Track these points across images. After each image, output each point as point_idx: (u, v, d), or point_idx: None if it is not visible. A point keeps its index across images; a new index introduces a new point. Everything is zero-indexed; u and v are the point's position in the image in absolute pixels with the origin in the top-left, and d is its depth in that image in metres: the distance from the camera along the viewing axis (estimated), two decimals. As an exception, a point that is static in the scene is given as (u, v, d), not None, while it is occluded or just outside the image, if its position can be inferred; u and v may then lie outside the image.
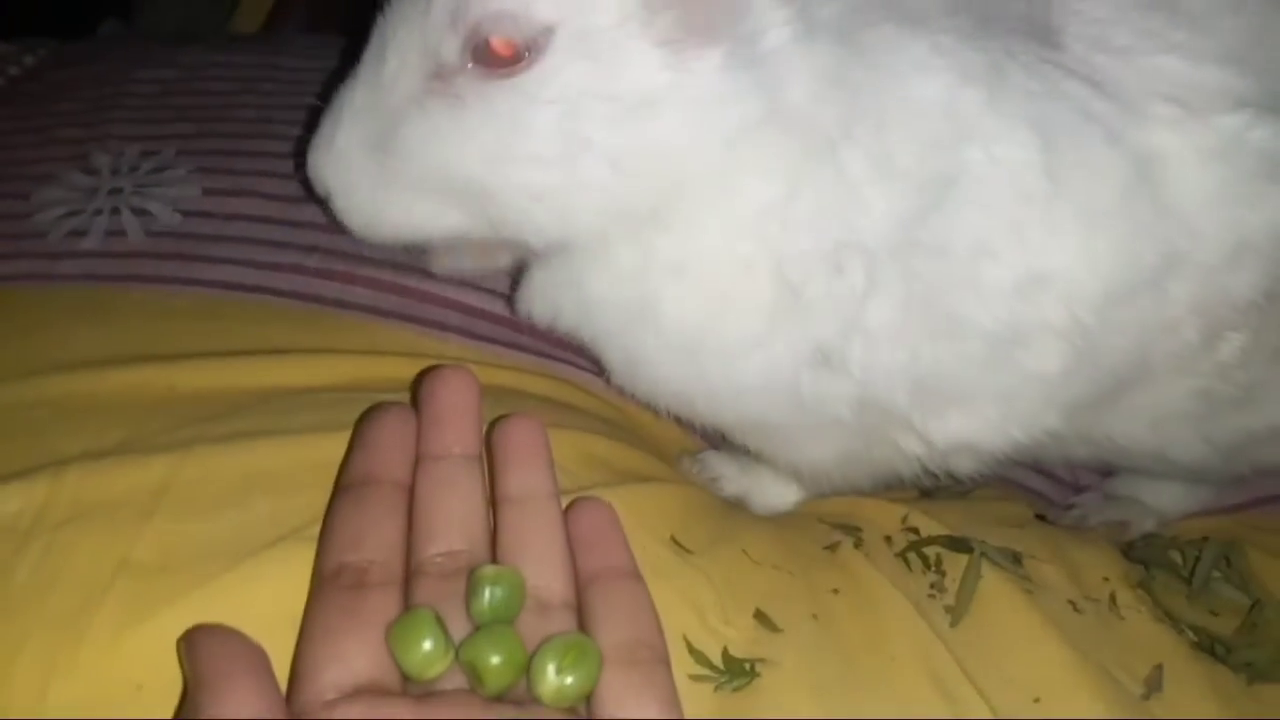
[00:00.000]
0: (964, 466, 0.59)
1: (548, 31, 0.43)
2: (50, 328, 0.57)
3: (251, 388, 0.54)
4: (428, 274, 0.63)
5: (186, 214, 0.65)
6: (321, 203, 0.52)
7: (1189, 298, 0.51)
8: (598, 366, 0.60)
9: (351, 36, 0.86)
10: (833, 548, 0.57)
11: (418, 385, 0.49)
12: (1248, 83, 0.50)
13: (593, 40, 0.44)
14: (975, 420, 0.54)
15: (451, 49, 0.45)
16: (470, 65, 0.44)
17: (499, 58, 0.44)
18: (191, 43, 0.85)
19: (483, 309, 0.64)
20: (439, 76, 0.45)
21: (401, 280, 0.63)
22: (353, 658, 0.37)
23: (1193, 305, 0.51)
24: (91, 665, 0.38)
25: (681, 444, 0.68)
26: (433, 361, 0.58)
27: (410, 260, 0.62)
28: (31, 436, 0.48)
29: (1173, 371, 0.55)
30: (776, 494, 0.65)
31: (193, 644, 0.37)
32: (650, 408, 0.59)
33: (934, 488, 0.69)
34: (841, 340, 0.49)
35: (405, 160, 0.47)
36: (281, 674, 0.38)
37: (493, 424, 0.48)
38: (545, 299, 0.54)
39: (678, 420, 0.62)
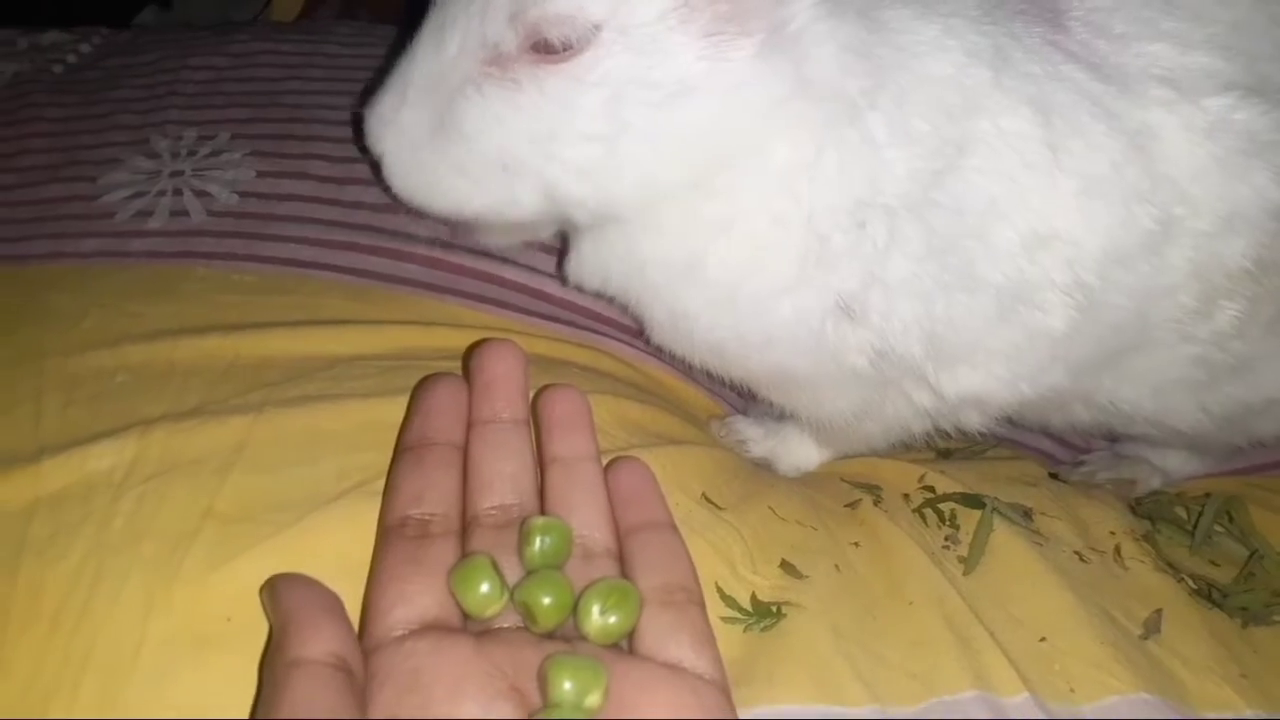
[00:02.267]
0: (972, 422, 0.62)
1: (596, 27, 0.47)
2: (125, 301, 0.59)
3: (311, 355, 0.57)
4: (472, 251, 0.66)
5: (244, 195, 0.68)
6: (375, 173, 0.54)
7: (1186, 263, 0.54)
8: (636, 332, 0.63)
9: (388, 24, 0.89)
10: (853, 505, 0.60)
11: (469, 356, 0.52)
12: (1234, 67, 0.53)
13: (635, 34, 0.47)
14: (984, 374, 0.57)
15: (509, 41, 0.48)
16: (525, 52, 0.48)
17: (549, 48, 0.47)
18: (238, 31, 0.88)
19: (523, 283, 0.66)
20: (495, 62, 0.48)
21: (448, 257, 0.66)
22: (419, 598, 0.40)
23: (1190, 270, 0.54)
24: (185, 601, 0.42)
25: (710, 410, 0.70)
26: (477, 332, 0.61)
27: (454, 237, 0.64)
28: (116, 400, 0.51)
29: (1173, 338, 0.57)
30: (801, 455, 0.68)
31: (276, 590, 0.40)
32: (684, 367, 0.62)
33: (951, 449, 0.72)
34: (862, 291, 0.52)
35: (463, 138, 0.50)
36: (348, 610, 0.41)
37: (539, 392, 0.51)
38: (595, 266, 0.57)
39: (710, 377, 0.65)
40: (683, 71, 0.47)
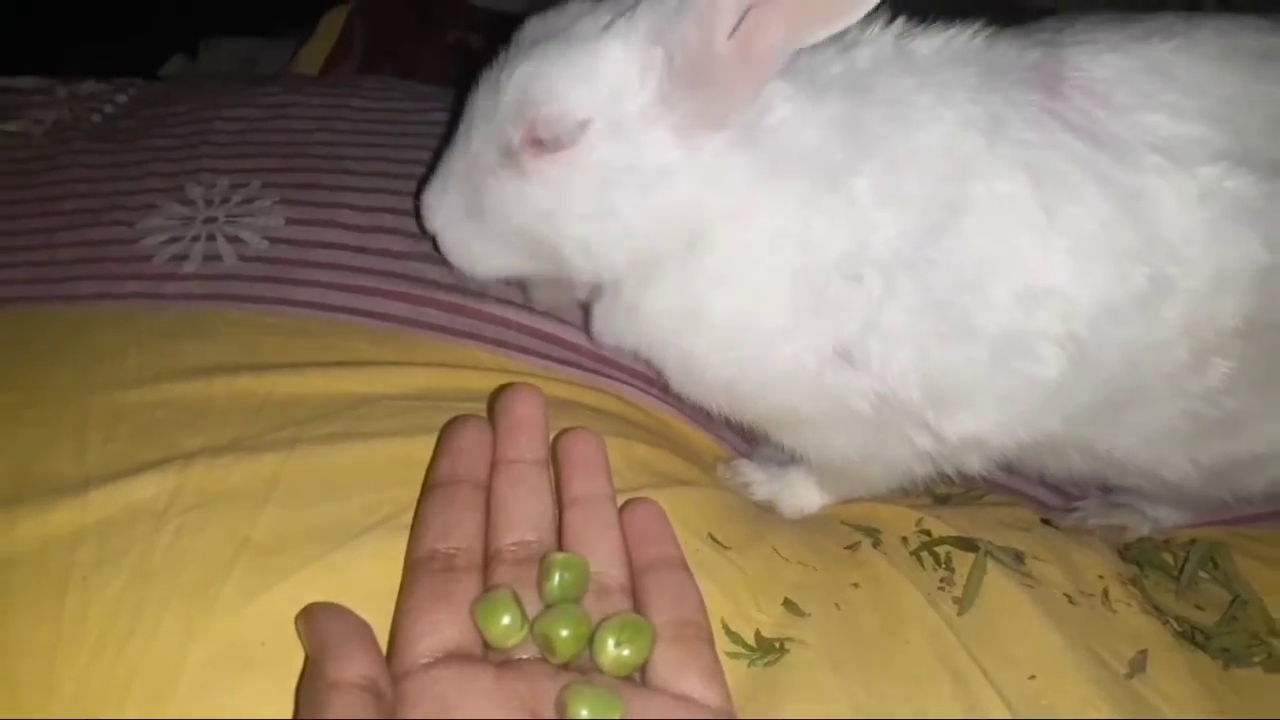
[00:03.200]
0: (973, 465, 0.64)
1: (584, 124, 0.53)
2: (163, 341, 0.62)
3: (338, 394, 0.59)
4: (491, 298, 0.68)
5: (274, 241, 0.70)
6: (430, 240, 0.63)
7: (1179, 320, 0.56)
8: (646, 377, 0.66)
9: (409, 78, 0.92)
10: (853, 547, 0.62)
11: (494, 398, 0.54)
12: (1225, 139, 0.55)
13: (618, 127, 0.53)
14: (982, 419, 0.59)
15: (514, 135, 0.55)
16: (526, 147, 0.54)
17: (544, 143, 0.54)
18: (268, 83, 0.91)
19: (539, 329, 0.68)
20: (507, 155, 0.55)
21: (467, 303, 0.68)
22: (444, 628, 0.42)
23: (1183, 327, 0.56)
24: (223, 627, 0.44)
25: (715, 454, 0.72)
26: (494, 374, 0.64)
27: (479, 287, 0.67)
28: (157, 434, 0.54)
29: (1166, 391, 0.59)
30: (804, 498, 0.70)
31: (312, 617, 0.43)
32: (696, 411, 0.66)
33: (948, 495, 0.74)
34: (860, 339, 0.55)
35: (488, 218, 0.58)
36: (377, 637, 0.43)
37: (558, 435, 0.53)
38: (608, 326, 0.62)
39: (716, 420, 0.68)
40: (661, 159, 0.53)
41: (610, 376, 0.69)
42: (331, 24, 1.22)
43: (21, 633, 0.43)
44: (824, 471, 0.67)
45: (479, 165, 0.57)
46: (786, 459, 0.70)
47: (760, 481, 0.70)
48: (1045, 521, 0.72)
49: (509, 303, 0.69)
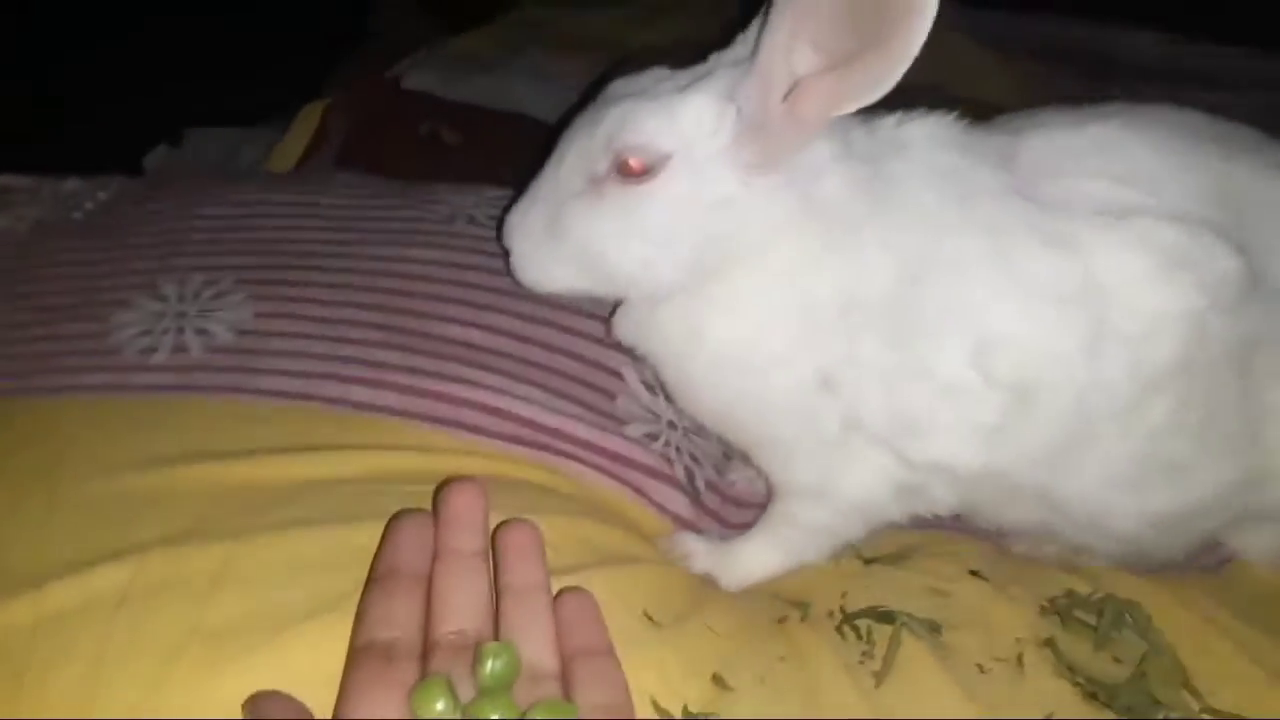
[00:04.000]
0: (942, 499, 0.70)
1: (666, 156, 0.61)
2: (126, 431, 0.64)
3: (291, 480, 0.61)
4: (443, 377, 0.71)
5: (240, 333, 0.73)
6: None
7: (1120, 362, 0.62)
8: (604, 453, 0.72)
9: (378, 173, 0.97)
10: (783, 620, 0.65)
11: (438, 493, 0.57)
12: (1161, 199, 0.63)
13: (694, 164, 0.61)
14: (943, 449, 0.65)
15: (603, 164, 0.62)
16: (615, 174, 0.62)
17: (633, 171, 0.61)
18: (244, 182, 0.95)
19: (491, 405, 0.71)
20: (594, 181, 0.63)
21: (420, 384, 0.71)
22: (382, 713, 0.45)
23: (1124, 369, 0.62)
24: (174, 711, 0.46)
25: (657, 529, 0.73)
26: (443, 454, 0.66)
27: (427, 367, 0.72)
28: (116, 524, 0.56)
29: (1114, 433, 0.64)
30: (748, 566, 0.72)
31: (256, 705, 0.46)
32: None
33: (877, 557, 0.75)
34: (838, 368, 0.63)
35: (564, 237, 0.65)
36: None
37: (498, 526, 0.56)
38: (630, 326, 0.70)
39: (719, 439, 0.75)
40: (724, 193, 0.61)
41: (560, 454, 0.71)
42: (308, 118, 1.27)
43: (-20, 722, 0.45)
44: (781, 510, 0.72)
45: (565, 190, 0.65)
46: (727, 534, 0.73)
47: (700, 554, 0.72)
48: (974, 573, 0.74)
49: (464, 382, 0.72)
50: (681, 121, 0.61)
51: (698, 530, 0.75)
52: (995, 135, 0.66)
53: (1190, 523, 0.70)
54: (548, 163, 0.67)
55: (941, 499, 0.70)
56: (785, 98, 0.59)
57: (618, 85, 0.66)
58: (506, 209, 0.70)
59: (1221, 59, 1.71)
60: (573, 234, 0.64)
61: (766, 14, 0.58)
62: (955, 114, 0.66)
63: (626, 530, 0.69)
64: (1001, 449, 0.65)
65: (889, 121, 0.65)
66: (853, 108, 0.58)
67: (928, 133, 0.65)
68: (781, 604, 0.66)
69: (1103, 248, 0.61)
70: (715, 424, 0.71)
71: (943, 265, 0.62)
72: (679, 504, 0.74)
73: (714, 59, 0.65)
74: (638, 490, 0.73)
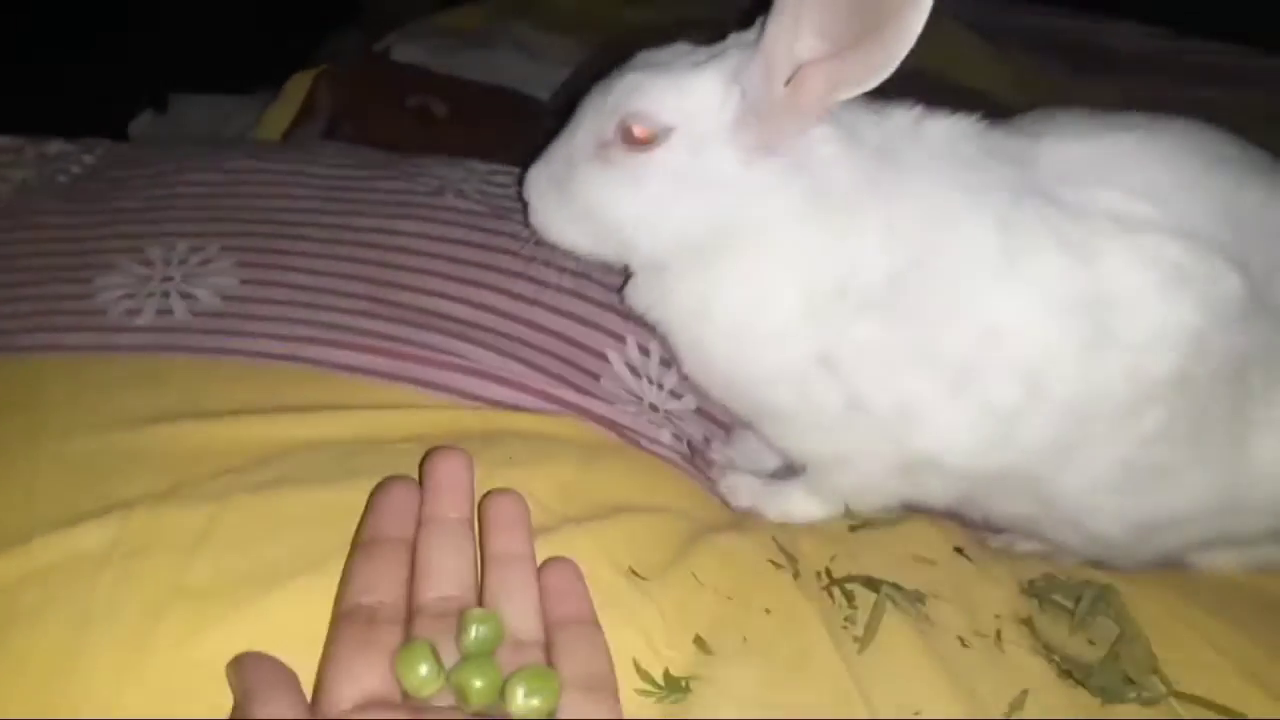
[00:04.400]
0: (935, 489, 0.71)
1: (669, 129, 0.63)
2: (110, 389, 0.64)
3: (275, 440, 0.61)
4: (428, 348, 0.71)
5: (226, 298, 0.73)
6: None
7: (1119, 366, 0.63)
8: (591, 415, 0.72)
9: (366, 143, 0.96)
10: (775, 565, 0.65)
11: (424, 461, 0.57)
12: (1169, 218, 0.63)
13: (695, 139, 0.63)
14: (942, 440, 0.66)
15: (610, 129, 0.64)
16: (620, 141, 0.64)
17: (636, 140, 0.63)
18: (231, 148, 0.94)
19: (479, 370, 0.71)
20: (602, 147, 0.65)
21: (405, 350, 0.71)
22: (365, 677, 0.44)
23: (1122, 373, 0.63)
24: (156, 672, 0.46)
25: (647, 466, 0.72)
26: (427, 411, 0.67)
27: (413, 337, 0.72)
28: (100, 481, 0.56)
29: (1106, 435, 0.65)
30: (795, 505, 0.75)
31: (240, 665, 0.45)
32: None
33: (869, 521, 0.76)
34: (837, 347, 0.64)
35: (574, 197, 0.67)
36: (302, 682, 0.46)
37: (484, 496, 0.56)
38: (641, 296, 0.72)
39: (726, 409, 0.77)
40: (723, 171, 0.63)
41: (548, 413, 0.71)
42: (297, 88, 1.26)
43: (-36, 673, 0.45)
44: (815, 478, 0.74)
45: (578, 152, 0.67)
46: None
47: (744, 489, 0.76)
48: (958, 550, 0.75)
49: (449, 353, 0.72)
50: (686, 96, 0.63)
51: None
52: (1015, 137, 0.67)
53: (1168, 531, 0.72)
54: (566, 126, 0.69)
55: (936, 490, 0.72)
56: (788, 82, 0.60)
57: (641, 56, 0.68)
58: (523, 169, 0.72)
59: (1212, 54, 1.72)
60: (580, 194, 0.67)
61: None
62: (976, 116, 0.68)
63: (614, 475, 0.68)
64: (997, 445, 0.66)
65: (906, 113, 0.66)
66: (852, 93, 0.59)
67: (947, 127, 0.66)
68: (774, 548, 0.67)
69: (1111, 257, 0.62)
70: (722, 393, 0.73)
71: (949, 254, 0.62)
72: (671, 453, 0.75)
73: (731, 39, 0.66)
74: (629, 440, 0.73)
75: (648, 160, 0.64)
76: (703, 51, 0.66)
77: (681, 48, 0.68)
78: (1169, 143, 0.67)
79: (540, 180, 0.70)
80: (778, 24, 0.58)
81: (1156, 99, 1.57)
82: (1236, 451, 0.67)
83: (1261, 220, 0.66)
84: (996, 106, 1.42)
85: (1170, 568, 0.77)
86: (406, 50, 1.44)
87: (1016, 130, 0.68)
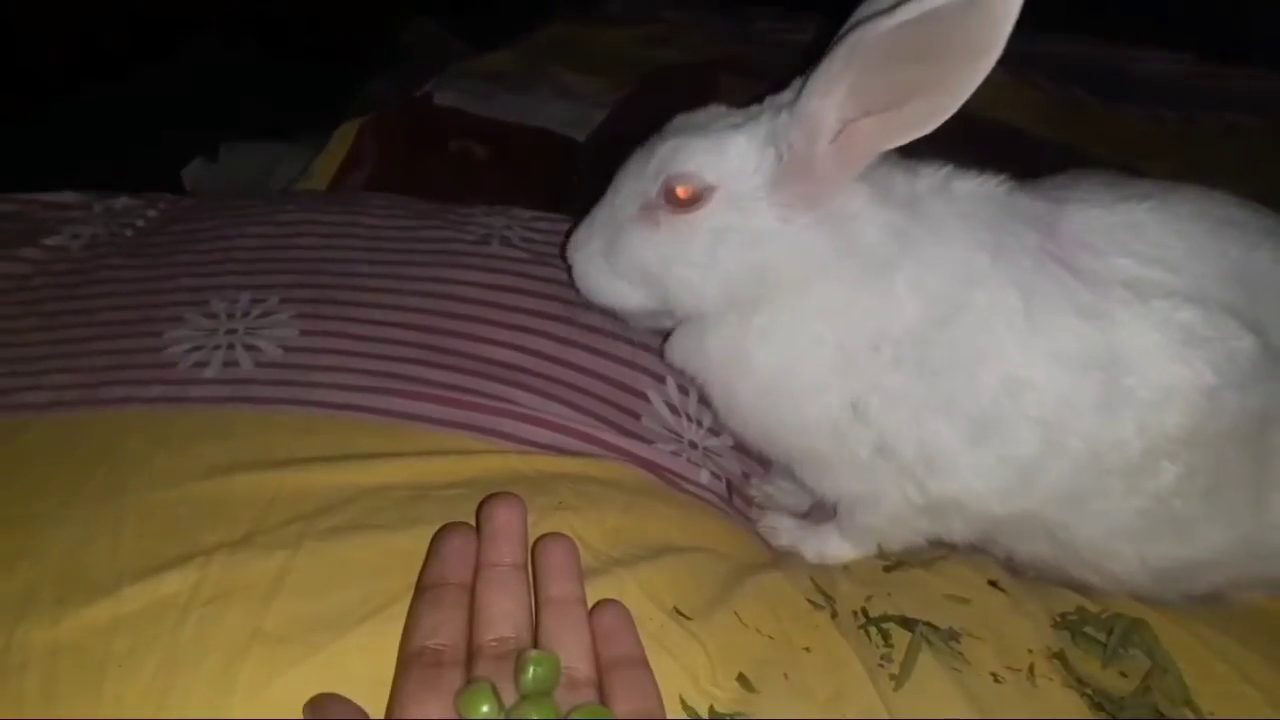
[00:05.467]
0: (958, 531, 0.74)
1: (710, 189, 0.66)
2: (185, 441, 0.68)
3: (342, 486, 0.65)
4: (479, 394, 0.75)
5: (288, 349, 0.77)
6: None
7: (1132, 423, 0.65)
8: (633, 459, 0.75)
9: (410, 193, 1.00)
10: (813, 605, 0.68)
11: (480, 508, 0.60)
12: (1181, 281, 0.66)
13: (736, 197, 0.66)
14: (963, 486, 0.69)
15: (654, 191, 0.68)
16: (664, 203, 0.67)
17: (680, 200, 0.67)
18: (286, 201, 0.99)
19: (528, 415, 0.74)
20: (645, 208, 0.69)
21: (458, 397, 0.74)
22: (431, 716, 0.48)
23: (1136, 430, 0.65)
24: (240, 711, 0.49)
25: (691, 510, 0.75)
26: (482, 456, 0.70)
27: (464, 384, 0.75)
28: (180, 531, 0.60)
29: (1123, 487, 0.67)
30: (829, 546, 0.78)
31: (316, 706, 0.49)
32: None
33: (902, 561, 0.78)
34: (868, 398, 0.67)
35: (619, 256, 0.71)
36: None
37: (537, 540, 0.59)
38: (680, 350, 0.75)
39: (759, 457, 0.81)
40: (763, 227, 0.66)
41: (592, 455, 0.74)
42: (344, 137, 1.31)
43: (68, 715, 0.49)
44: (845, 518, 0.77)
45: (621, 214, 0.70)
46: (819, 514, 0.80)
47: (785, 530, 0.79)
48: (992, 584, 0.76)
49: (499, 399, 0.75)
50: (726, 158, 0.66)
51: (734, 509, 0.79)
52: (1038, 201, 0.70)
53: (1190, 577, 0.73)
54: (608, 190, 0.73)
55: (959, 530, 0.74)
56: (833, 140, 0.63)
57: (679, 119, 0.72)
58: (568, 233, 0.77)
59: (1240, 79, 1.73)
60: (626, 254, 0.70)
61: (815, 62, 0.61)
62: (1001, 177, 0.70)
63: (657, 517, 0.71)
64: (1015, 491, 0.68)
65: (936, 171, 0.69)
66: (904, 140, 0.61)
67: (974, 187, 0.69)
68: (811, 588, 0.69)
69: (1125, 321, 0.64)
70: (759, 442, 0.76)
71: (972, 312, 0.65)
72: (710, 494, 0.78)
73: (767, 101, 0.69)
74: (670, 482, 0.76)
75: (692, 219, 0.67)
76: (738, 114, 0.70)
77: (716, 110, 0.71)
78: (1181, 210, 0.69)
79: (585, 244, 0.73)
80: (824, 86, 0.60)
81: (1185, 125, 1.58)
82: (1257, 506, 0.69)
83: (1274, 281, 0.68)
84: (1026, 139, 1.46)
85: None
86: (446, 95, 1.49)
87: (1041, 192, 0.71)
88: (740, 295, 0.68)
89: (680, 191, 0.66)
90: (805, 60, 0.63)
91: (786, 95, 0.68)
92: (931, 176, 0.69)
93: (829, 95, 0.60)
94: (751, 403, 0.72)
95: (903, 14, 0.54)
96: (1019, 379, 0.65)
